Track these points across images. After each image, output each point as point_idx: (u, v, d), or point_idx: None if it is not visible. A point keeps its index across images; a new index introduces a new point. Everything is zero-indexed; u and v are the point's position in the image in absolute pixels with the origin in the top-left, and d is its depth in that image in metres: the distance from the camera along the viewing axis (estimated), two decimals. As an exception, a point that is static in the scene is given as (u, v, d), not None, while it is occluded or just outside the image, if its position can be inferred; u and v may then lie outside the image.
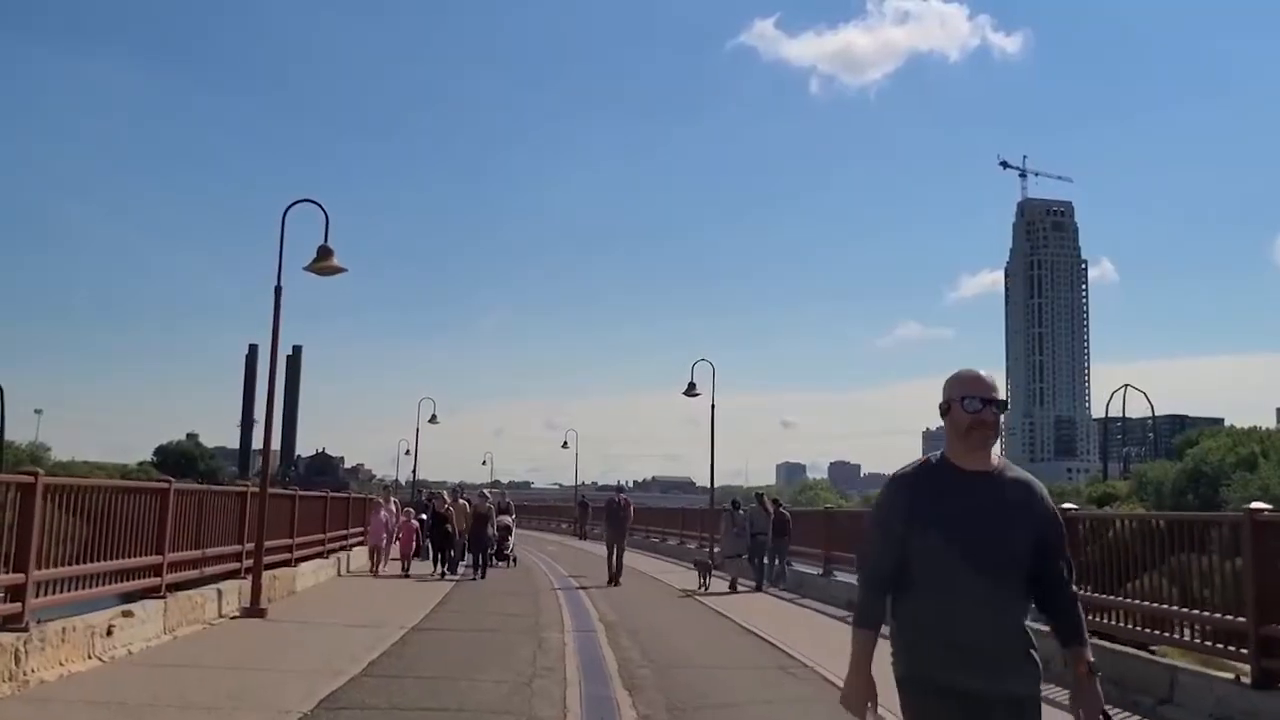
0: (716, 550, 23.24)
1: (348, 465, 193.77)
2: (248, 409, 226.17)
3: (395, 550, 22.04)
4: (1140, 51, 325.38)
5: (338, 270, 13.80)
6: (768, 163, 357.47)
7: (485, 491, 24.66)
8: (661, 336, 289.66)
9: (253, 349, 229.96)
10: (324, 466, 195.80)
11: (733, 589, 19.88)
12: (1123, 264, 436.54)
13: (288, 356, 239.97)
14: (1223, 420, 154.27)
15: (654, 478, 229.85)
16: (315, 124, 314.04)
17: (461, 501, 22.84)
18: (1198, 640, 8.56)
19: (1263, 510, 8.02)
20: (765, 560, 20.68)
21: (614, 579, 20.56)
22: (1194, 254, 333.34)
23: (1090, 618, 8.29)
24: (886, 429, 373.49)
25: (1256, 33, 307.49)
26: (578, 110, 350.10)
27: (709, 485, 31.53)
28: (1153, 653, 8.91)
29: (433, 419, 49.47)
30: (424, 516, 23.10)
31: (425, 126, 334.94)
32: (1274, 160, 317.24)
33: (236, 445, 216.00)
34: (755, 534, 20.62)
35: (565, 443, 66.06)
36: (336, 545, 21.74)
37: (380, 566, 21.33)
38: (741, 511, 21.63)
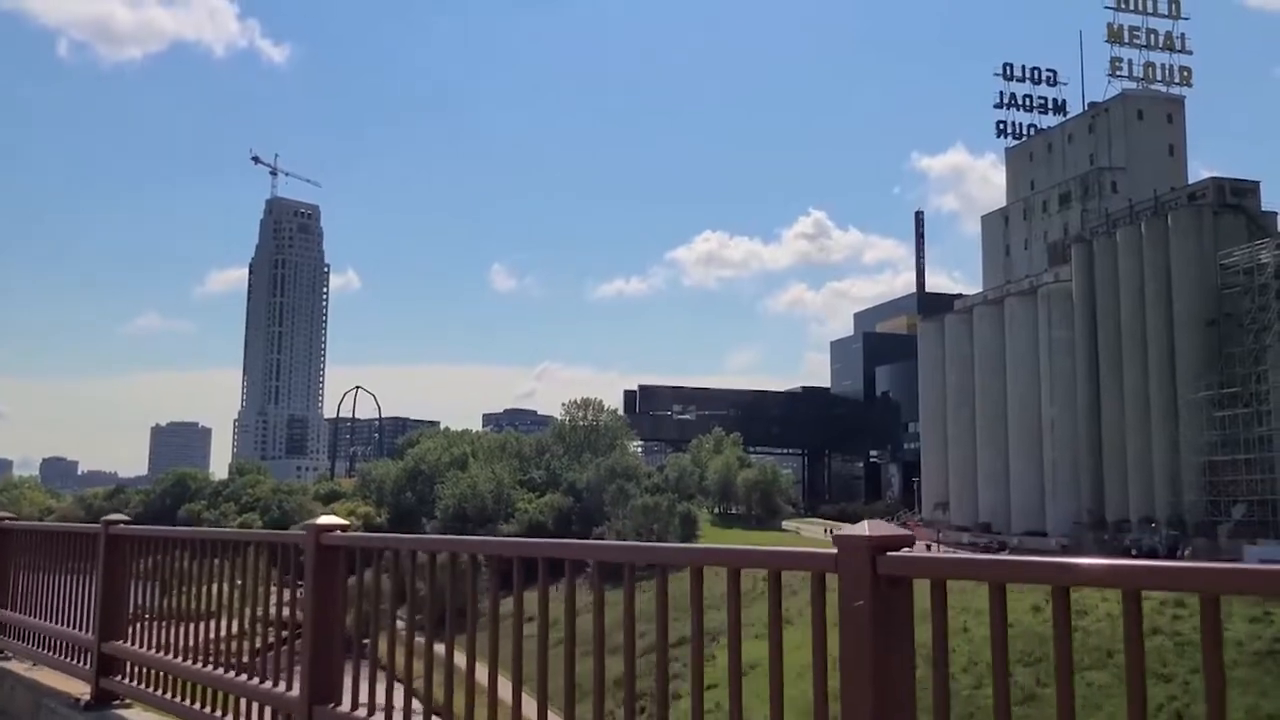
0: None
1: None
2: None
3: None
4: (392, 91, 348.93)
5: None
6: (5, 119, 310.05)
7: None
8: None
9: None
10: None
11: None
12: (365, 274, 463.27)
13: None
14: (439, 423, 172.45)
15: None
16: None
17: None
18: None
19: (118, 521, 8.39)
20: None
21: None
22: (426, 273, 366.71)
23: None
24: (114, 423, 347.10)
25: (506, 95, 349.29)
26: None
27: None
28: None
29: None
30: None
31: None
32: (495, 199, 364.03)
33: None
34: None
35: None
36: None
37: None
38: None
